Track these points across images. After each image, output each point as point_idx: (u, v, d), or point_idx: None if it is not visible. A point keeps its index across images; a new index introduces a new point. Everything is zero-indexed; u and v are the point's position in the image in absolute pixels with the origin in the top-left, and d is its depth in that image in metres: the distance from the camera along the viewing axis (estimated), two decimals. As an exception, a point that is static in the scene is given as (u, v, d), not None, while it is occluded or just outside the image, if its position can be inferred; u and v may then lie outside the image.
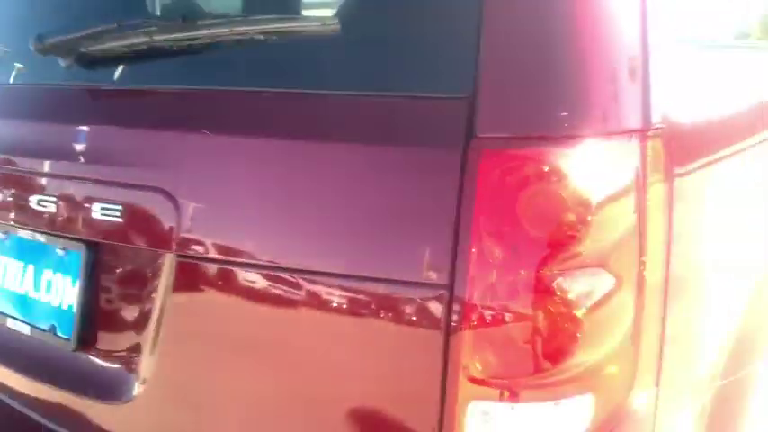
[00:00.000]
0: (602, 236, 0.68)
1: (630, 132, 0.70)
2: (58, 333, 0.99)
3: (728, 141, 0.91)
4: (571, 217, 0.67)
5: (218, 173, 0.83)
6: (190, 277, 0.84)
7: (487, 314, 0.66)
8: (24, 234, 1.07)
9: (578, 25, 0.69)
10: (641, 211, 0.70)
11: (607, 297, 0.69)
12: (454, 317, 0.67)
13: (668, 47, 0.75)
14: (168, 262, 0.85)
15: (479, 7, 0.68)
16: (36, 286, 1.04)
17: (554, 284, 0.66)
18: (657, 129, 0.72)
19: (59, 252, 1.01)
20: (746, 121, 0.98)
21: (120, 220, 0.89)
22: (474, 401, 0.68)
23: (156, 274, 0.86)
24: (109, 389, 0.92)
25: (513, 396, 0.68)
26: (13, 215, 1.07)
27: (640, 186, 0.70)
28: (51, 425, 1.03)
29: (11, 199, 1.06)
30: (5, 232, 1.11)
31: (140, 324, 0.90)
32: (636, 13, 0.71)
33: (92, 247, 0.96)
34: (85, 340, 0.97)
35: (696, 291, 0.84)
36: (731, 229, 0.93)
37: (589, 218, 0.67)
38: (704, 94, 0.85)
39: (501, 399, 0.67)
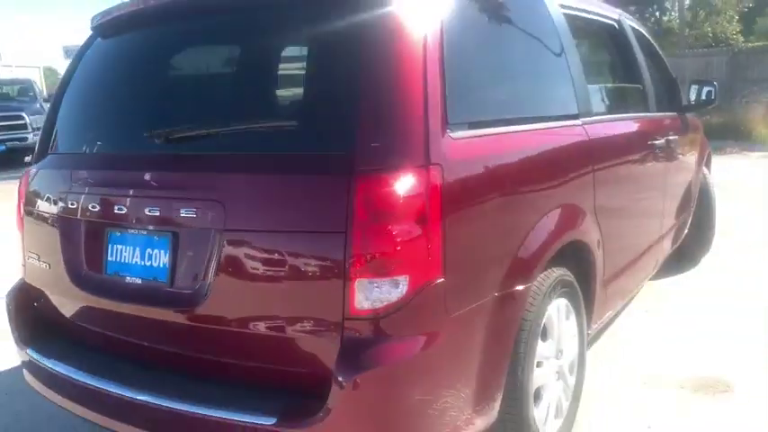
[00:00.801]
0: (409, 210, 1.64)
1: (424, 164, 1.67)
2: (159, 280, 1.92)
3: (478, 180, 1.88)
4: (396, 203, 1.63)
5: (237, 192, 1.79)
6: (231, 240, 1.78)
7: (361, 242, 1.61)
8: (132, 231, 2.01)
9: (395, 126, 1.67)
10: (426, 200, 1.66)
11: (415, 237, 1.64)
12: (348, 243, 1.61)
13: (441, 128, 1.73)
14: (220, 234, 1.79)
15: (356, 132, 1.65)
16: (142, 257, 1.97)
17: (387, 229, 1.62)
18: (434, 164, 1.69)
19: (155, 238, 1.95)
20: (492, 170, 1.96)
21: (194, 216, 1.83)
22: (358, 279, 1.62)
23: (214, 241, 1.80)
24: (190, 301, 1.85)
25: (374, 275, 1.62)
26: (125, 221, 2.01)
27: (426, 189, 1.66)
28: (157, 335, 1.96)
29: (125, 212, 2.00)
30: (120, 232, 2.04)
31: (205, 267, 1.82)
32: (422, 116, 1.69)
33: (175, 233, 1.90)
34: (174, 281, 1.90)
35: (463, 245, 1.79)
36: (489, 216, 1.91)
37: (401, 201, 1.63)
38: (466, 150, 1.83)
39: (369, 276, 1.62)
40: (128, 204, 2.00)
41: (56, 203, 2.23)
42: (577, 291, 2.42)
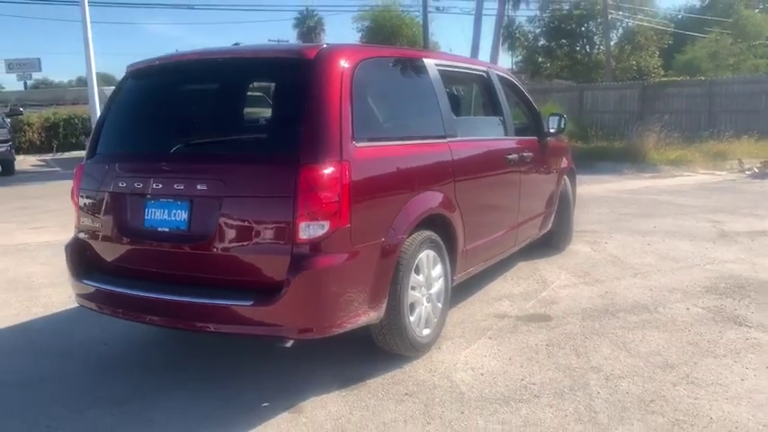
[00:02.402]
0: (330, 186, 2.99)
1: (339, 161, 3.02)
2: (181, 228, 3.21)
3: (376, 173, 3.26)
4: (322, 181, 2.98)
5: (232, 174, 3.11)
6: (228, 202, 3.08)
7: (303, 202, 2.95)
8: (162, 199, 3.28)
9: (323, 139, 3.03)
10: (340, 180, 3.01)
11: (333, 201, 3.00)
12: (295, 203, 2.94)
13: (350, 140, 3.10)
14: (221, 199, 3.09)
15: (301, 142, 3.01)
16: (169, 215, 3.25)
17: (317, 195, 2.96)
18: (345, 160, 3.05)
19: (179, 203, 3.24)
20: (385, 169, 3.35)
21: (206, 188, 3.14)
22: (300, 222, 2.95)
23: (219, 203, 3.09)
24: (201, 239, 3.13)
25: (309, 220, 2.96)
26: (156, 193, 3.28)
27: (340, 174, 3.02)
28: (175, 262, 3.24)
29: (160, 187, 3.28)
30: (155, 201, 3.31)
31: (212, 218, 3.11)
32: (338, 133, 3.06)
33: (192, 199, 3.20)
34: (191, 228, 3.18)
35: (362, 208, 3.15)
36: (378, 192, 3.28)
37: (326, 181, 2.98)
38: (365, 153, 3.20)
39: (306, 221, 2.95)
40: (161, 183, 3.28)
41: (107, 184, 3.48)
42: (443, 248, 3.80)
